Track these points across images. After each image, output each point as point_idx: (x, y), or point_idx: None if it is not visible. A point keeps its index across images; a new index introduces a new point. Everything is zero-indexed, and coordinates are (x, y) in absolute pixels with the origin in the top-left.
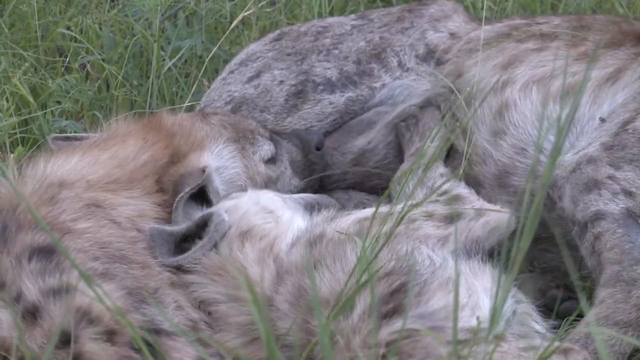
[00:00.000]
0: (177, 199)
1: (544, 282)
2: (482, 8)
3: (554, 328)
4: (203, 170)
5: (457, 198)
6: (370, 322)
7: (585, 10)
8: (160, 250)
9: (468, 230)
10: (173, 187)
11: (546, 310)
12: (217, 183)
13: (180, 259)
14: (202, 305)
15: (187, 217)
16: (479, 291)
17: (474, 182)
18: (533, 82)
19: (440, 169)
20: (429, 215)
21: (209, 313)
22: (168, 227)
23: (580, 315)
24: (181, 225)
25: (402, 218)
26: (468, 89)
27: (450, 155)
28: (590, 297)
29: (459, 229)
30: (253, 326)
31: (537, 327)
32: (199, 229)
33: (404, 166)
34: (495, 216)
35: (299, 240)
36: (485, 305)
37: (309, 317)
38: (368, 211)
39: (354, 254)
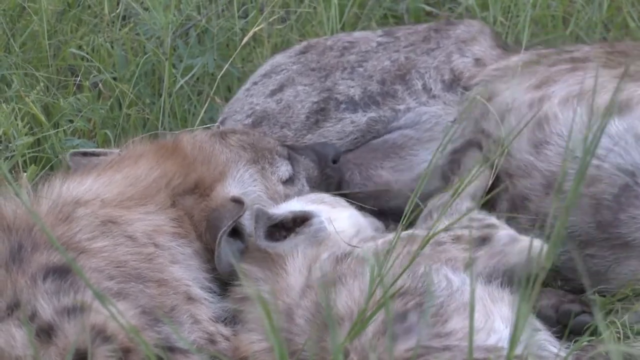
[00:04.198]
0: (219, 235)
1: (558, 297)
2: (494, 24)
3: (568, 342)
4: (233, 201)
5: (489, 226)
6: (384, 340)
7: (596, 24)
8: (258, 232)
9: (503, 255)
10: (207, 223)
11: (560, 325)
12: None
13: (275, 246)
14: (243, 301)
15: (229, 248)
16: (495, 317)
17: (519, 198)
18: (573, 97)
19: (467, 203)
20: (457, 238)
21: (246, 310)
22: (269, 211)
23: (595, 330)
24: (280, 212)
25: (427, 241)
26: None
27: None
28: (602, 311)
29: (491, 253)
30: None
31: (553, 349)
32: (294, 222)
33: (433, 200)
34: (532, 244)
35: (330, 257)
36: (501, 331)
37: (324, 335)
38: (403, 233)
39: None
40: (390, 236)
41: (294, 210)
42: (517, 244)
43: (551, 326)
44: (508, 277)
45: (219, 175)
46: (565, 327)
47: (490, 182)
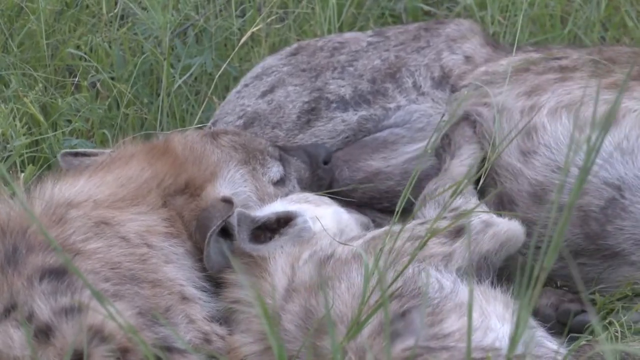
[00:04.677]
0: (209, 234)
1: (557, 296)
2: (492, 23)
3: (568, 341)
4: (223, 201)
5: (463, 214)
6: (380, 340)
7: (594, 23)
8: (241, 235)
9: (475, 244)
10: (197, 222)
11: (559, 324)
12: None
13: (258, 249)
14: (235, 304)
15: (218, 248)
16: (491, 316)
17: (507, 200)
18: (561, 108)
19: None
20: (433, 232)
21: (237, 313)
22: (252, 214)
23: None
24: (263, 214)
25: (422, 245)
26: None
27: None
28: (602, 311)
29: (466, 244)
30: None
31: (551, 345)
32: (278, 223)
33: (429, 185)
34: (504, 228)
35: (312, 257)
36: (498, 329)
37: (316, 339)
38: (379, 231)
39: (359, 274)
40: (370, 235)
41: (277, 211)
42: (489, 230)
43: (549, 324)
44: (493, 270)
45: (209, 176)
46: (565, 326)
47: (483, 180)
